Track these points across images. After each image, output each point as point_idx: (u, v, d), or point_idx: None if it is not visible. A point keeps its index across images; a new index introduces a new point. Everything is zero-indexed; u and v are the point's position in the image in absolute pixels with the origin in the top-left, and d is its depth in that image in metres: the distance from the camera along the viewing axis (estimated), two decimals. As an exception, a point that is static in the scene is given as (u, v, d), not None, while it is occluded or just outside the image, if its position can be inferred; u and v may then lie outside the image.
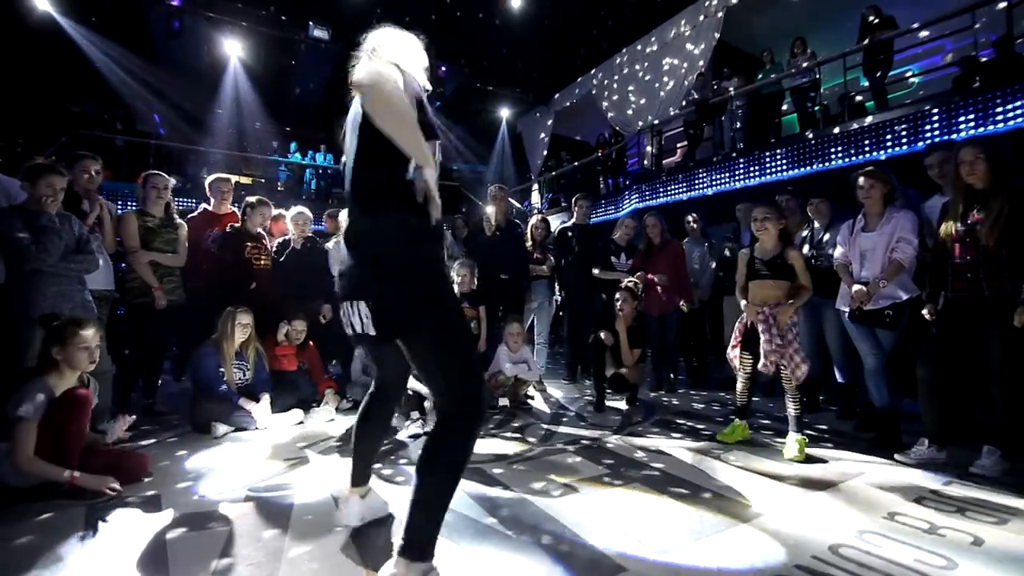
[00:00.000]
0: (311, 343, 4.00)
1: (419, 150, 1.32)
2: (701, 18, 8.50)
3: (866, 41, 6.28)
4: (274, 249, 4.17)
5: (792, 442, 2.72)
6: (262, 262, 3.99)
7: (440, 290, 1.48)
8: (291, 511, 2.03)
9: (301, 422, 3.44)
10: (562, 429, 3.34)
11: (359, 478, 1.86)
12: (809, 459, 2.67)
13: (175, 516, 1.98)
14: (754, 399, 4.15)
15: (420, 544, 1.37)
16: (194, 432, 3.21)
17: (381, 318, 1.40)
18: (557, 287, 5.21)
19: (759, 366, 2.89)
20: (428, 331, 1.42)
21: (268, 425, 3.28)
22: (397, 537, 1.75)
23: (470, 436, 1.41)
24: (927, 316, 2.71)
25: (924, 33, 6.45)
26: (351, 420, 3.50)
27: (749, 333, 2.96)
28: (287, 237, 4.27)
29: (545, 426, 3.40)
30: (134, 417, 2.74)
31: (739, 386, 3.04)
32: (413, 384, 3.40)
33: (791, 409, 2.80)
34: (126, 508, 2.06)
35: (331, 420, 3.52)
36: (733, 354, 3.05)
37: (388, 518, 1.93)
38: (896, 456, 2.64)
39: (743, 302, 3.00)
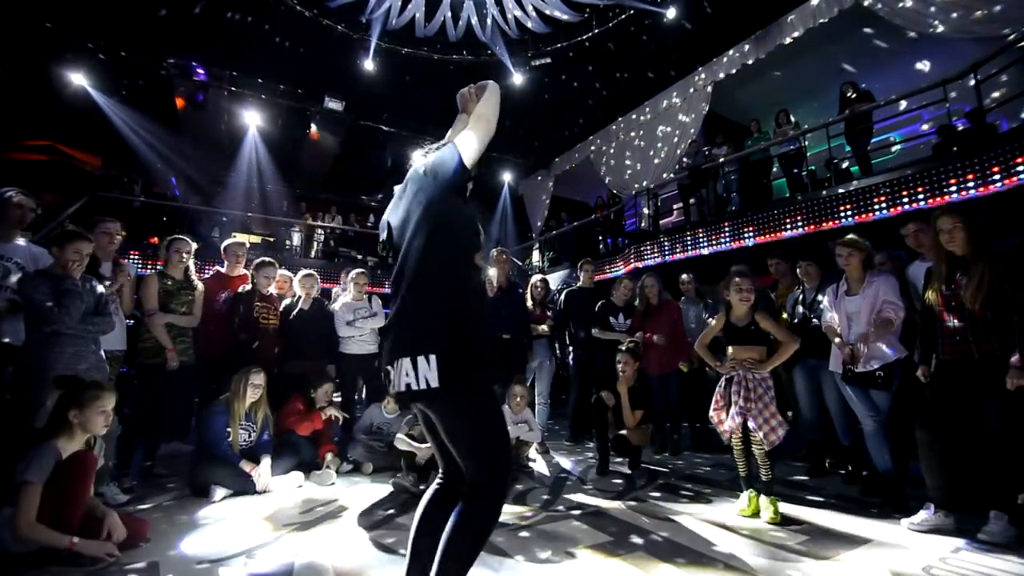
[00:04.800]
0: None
1: (486, 131, 1.62)
2: (691, 91, 9.09)
3: (846, 113, 6.68)
4: (282, 309, 4.28)
5: (764, 505, 2.75)
6: (270, 321, 4.09)
7: (486, 363, 1.52)
8: (290, 579, 2.01)
9: (301, 485, 3.41)
10: (564, 494, 3.29)
11: None
12: (815, 527, 2.63)
13: (173, 584, 1.96)
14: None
15: None
16: (193, 495, 3.18)
17: (448, 369, 1.38)
18: (558, 347, 5.27)
19: (725, 425, 2.90)
20: (476, 396, 1.44)
21: (268, 489, 3.25)
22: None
23: (498, 506, 1.45)
24: (922, 378, 2.75)
25: (902, 105, 6.87)
26: (352, 483, 3.50)
27: (729, 395, 2.93)
28: (295, 298, 4.40)
29: (547, 491, 3.36)
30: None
31: (735, 452, 2.98)
32: (404, 440, 3.39)
33: (762, 473, 2.79)
34: (125, 575, 2.04)
35: (331, 484, 3.48)
36: (717, 419, 3.00)
37: None
38: (903, 522, 2.60)
39: (709, 359, 3.09)
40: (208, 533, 2.56)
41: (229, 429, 3.34)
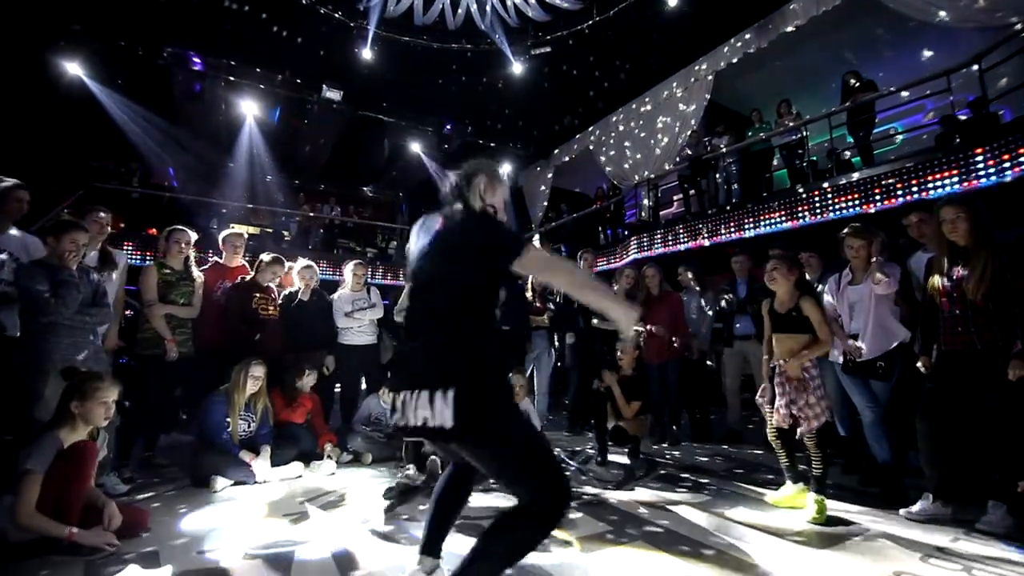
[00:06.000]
0: (314, 394, 4.02)
1: (612, 303, 1.47)
2: (692, 80, 9.00)
3: (848, 103, 6.62)
4: (281, 300, 4.27)
5: (811, 503, 2.57)
6: (269, 312, 4.08)
7: (510, 395, 1.48)
8: (290, 568, 2.02)
9: (300, 476, 3.41)
10: (564, 483, 3.29)
11: (430, 547, 1.67)
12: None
13: (174, 573, 1.97)
14: (757, 452, 4.15)
15: None
16: (193, 486, 3.19)
17: (465, 407, 1.32)
18: (556, 338, 5.27)
19: (775, 420, 2.77)
20: (500, 430, 1.38)
21: (268, 479, 3.26)
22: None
23: (549, 528, 1.38)
24: (922, 369, 2.75)
25: (904, 94, 6.81)
26: (351, 473, 3.51)
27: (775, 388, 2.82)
28: (293, 289, 4.39)
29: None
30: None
31: (775, 446, 2.84)
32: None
33: (813, 468, 2.65)
34: (124, 564, 2.04)
35: (332, 474, 3.49)
36: (768, 410, 2.86)
37: None
38: (901, 512, 2.60)
39: (765, 357, 2.92)
40: (208, 523, 2.56)
41: (229, 419, 3.34)
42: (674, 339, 4.48)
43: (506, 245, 1.45)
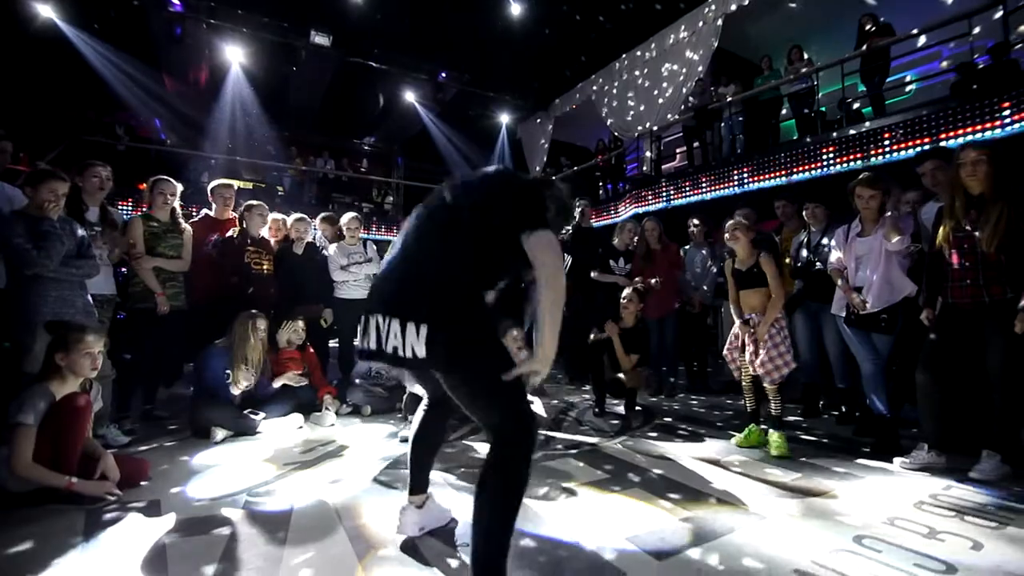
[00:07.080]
0: (310, 347, 4.00)
1: (551, 346, 1.41)
2: (700, 25, 8.56)
3: (863, 48, 6.31)
4: (275, 254, 4.17)
5: (773, 439, 2.83)
6: (264, 267, 3.99)
7: (490, 331, 1.46)
8: (290, 517, 2.03)
9: (301, 427, 3.44)
10: (562, 434, 3.34)
11: (416, 487, 1.84)
12: (808, 464, 2.67)
13: (175, 521, 1.98)
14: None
15: (489, 573, 1.32)
16: (193, 437, 3.21)
17: (437, 342, 1.31)
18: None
19: (737, 362, 3.08)
20: (477, 369, 1.38)
21: (268, 430, 3.28)
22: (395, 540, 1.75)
23: (525, 459, 1.38)
24: (925, 321, 2.71)
25: (922, 40, 6.49)
26: (351, 425, 3.54)
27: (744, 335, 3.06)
28: (287, 243, 4.28)
29: (545, 431, 3.40)
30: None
31: (744, 388, 3.12)
32: (410, 387, 3.40)
33: (773, 408, 2.89)
34: (125, 513, 2.06)
35: (331, 425, 3.51)
36: (730, 358, 3.15)
37: (449, 524, 1.93)
38: (895, 461, 2.63)
39: (736, 317, 3.11)
40: (209, 473, 2.58)
41: (228, 372, 3.32)
42: (658, 279, 4.43)
43: (529, 214, 1.41)
